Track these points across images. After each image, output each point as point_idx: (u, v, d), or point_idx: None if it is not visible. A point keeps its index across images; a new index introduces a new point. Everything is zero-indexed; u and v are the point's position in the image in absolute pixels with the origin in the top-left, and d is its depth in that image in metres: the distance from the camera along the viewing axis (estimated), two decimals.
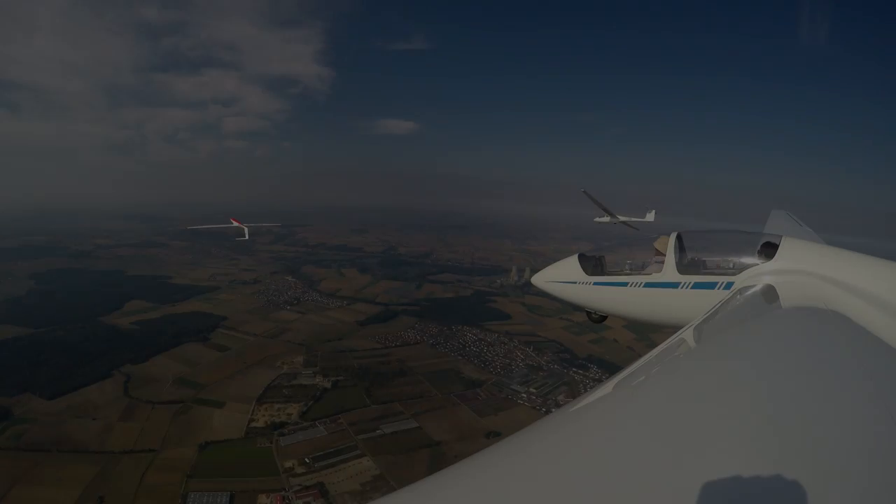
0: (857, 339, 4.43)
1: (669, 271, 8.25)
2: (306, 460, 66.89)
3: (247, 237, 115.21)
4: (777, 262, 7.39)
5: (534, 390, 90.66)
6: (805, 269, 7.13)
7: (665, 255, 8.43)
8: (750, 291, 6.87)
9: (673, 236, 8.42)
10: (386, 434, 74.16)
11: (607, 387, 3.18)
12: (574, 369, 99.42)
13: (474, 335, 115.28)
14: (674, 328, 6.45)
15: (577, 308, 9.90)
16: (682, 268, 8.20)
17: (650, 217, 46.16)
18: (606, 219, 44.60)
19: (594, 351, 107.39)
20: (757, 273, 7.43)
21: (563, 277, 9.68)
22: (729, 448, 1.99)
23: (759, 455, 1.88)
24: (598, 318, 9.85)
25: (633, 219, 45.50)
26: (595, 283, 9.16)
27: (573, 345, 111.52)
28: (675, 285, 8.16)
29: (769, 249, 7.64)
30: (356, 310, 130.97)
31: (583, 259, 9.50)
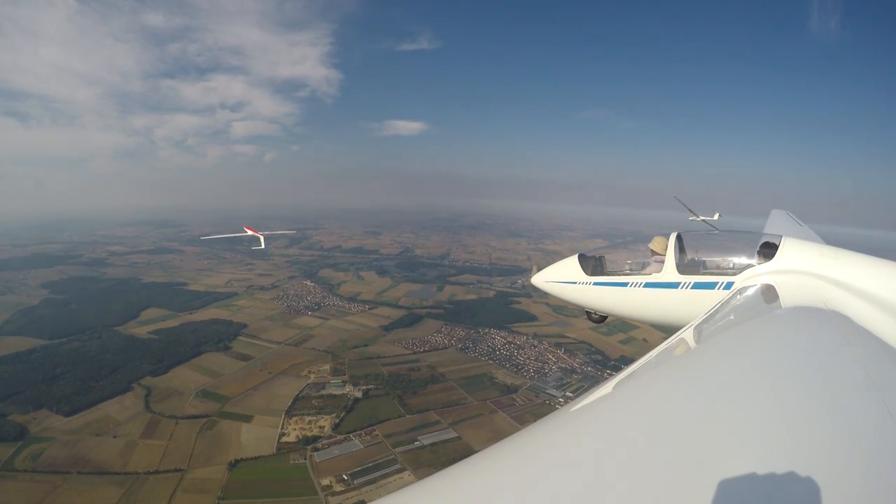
0: (857, 340, 4.45)
1: (669, 271, 8.31)
2: (344, 477, 62.60)
3: (263, 245, 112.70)
4: (777, 262, 7.46)
5: (571, 394, 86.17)
6: (805, 269, 7.17)
7: (660, 256, 8.58)
8: (750, 291, 6.90)
9: (673, 236, 8.52)
10: (425, 446, 70.09)
11: (607, 387, 3.15)
12: (608, 371, 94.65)
13: (503, 338, 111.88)
14: (674, 328, 6.57)
15: (577, 308, 9.94)
16: (682, 268, 8.26)
17: (716, 217, 46.91)
18: (698, 218, 44.14)
19: (626, 351, 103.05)
20: (757, 273, 7.50)
21: (563, 277, 9.75)
22: (729, 448, 2.01)
23: (759, 455, 1.89)
24: (599, 319, 9.91)
25: (710, 219, 45.42)
26: (595, 284, 9.22)
27: (604, 346, 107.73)
28: (675, 285, 8.21)
29: (769, 249, 7.74)
30: (379, 314, 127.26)
31: (583, 259, 9.60)
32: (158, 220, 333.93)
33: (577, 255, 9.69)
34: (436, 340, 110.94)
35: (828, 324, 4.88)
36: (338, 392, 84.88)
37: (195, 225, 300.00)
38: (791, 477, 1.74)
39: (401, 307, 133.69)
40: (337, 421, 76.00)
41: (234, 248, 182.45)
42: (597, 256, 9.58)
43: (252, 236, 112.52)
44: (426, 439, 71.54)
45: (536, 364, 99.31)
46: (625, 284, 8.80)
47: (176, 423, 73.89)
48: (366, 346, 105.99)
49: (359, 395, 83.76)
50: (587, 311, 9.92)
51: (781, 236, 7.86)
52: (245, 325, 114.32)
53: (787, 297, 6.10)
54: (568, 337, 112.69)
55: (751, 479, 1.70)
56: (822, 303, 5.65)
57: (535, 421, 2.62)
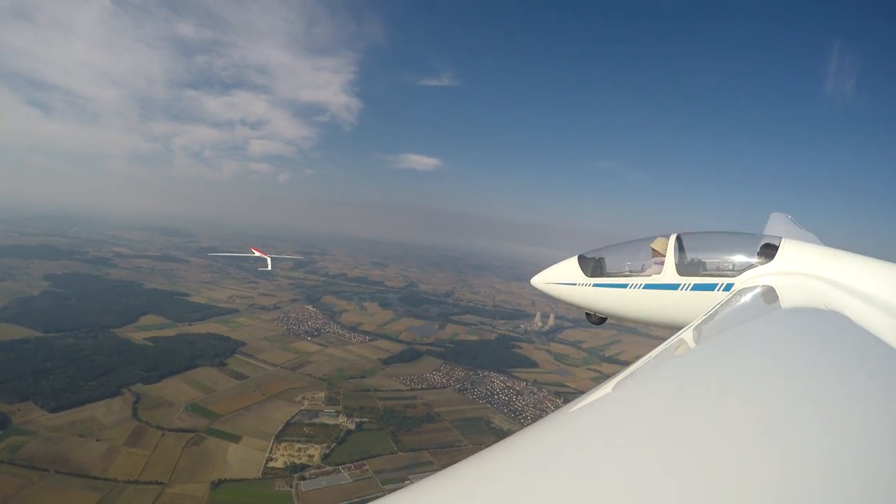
0: (857, 341, 4.49)
1: (669, 273, 8.29)
2: None
3: (269, 268, 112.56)
4: (777, 264, 7.44)
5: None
6: (805, 270, 7.15)
7: (662, 257, 8.49)
8: (750, 293, 6.76)
9: (672, 238, 8.48)
10: None
11: (607, 387, 3.10)
12: None
13: (502, 382, 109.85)
14: (673, 329, 6.32)
15: (577, 308, 9.89)
16: (682, 269, 8.23)
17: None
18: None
19: None
20: (757, 274, 7.46)
21: (562, 279, 9.73)
22: (729, 448, 2.02)
23: (759, 455, 1.88)
24: (598, 320, 9.84)
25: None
26: (595, 285, 9.21)
27: None
28: (674, 287, 8.19)
29: (769, 251, 7.72)
30: (379, 346, 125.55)
31: (583, 261, 9.56)
32: (167, 228, 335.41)
33: (576, 257, 9.66)
34: (434, 379, 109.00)
35: (827, 325, 4.96)
36: (331, 422, 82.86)
37: (203, 237, 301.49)
38: (791, 477, 1.75)
39: (401, 342, 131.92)
40: (327, 451, 73.88)
41: (239, 264, 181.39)
42: (596, 258, 9.51)
43: (259, 258, 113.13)
44: (417, 479, 68.73)
45: (535, 412, 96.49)
46: (624, 286, 8.83)
47: (162, 435, 71.99)
48: (363, 377, 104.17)
49: (352, 426, 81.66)
50: (587, 313, 9.86)
51: (781, 238, 7.91)
52: (243, 344, 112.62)
53: (786, 299, 6.19)
54: (568, 386, 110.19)
55: (751, 480, 1.69)
56: (821, 304, 5.70)
57: (535, 421, 2.57)
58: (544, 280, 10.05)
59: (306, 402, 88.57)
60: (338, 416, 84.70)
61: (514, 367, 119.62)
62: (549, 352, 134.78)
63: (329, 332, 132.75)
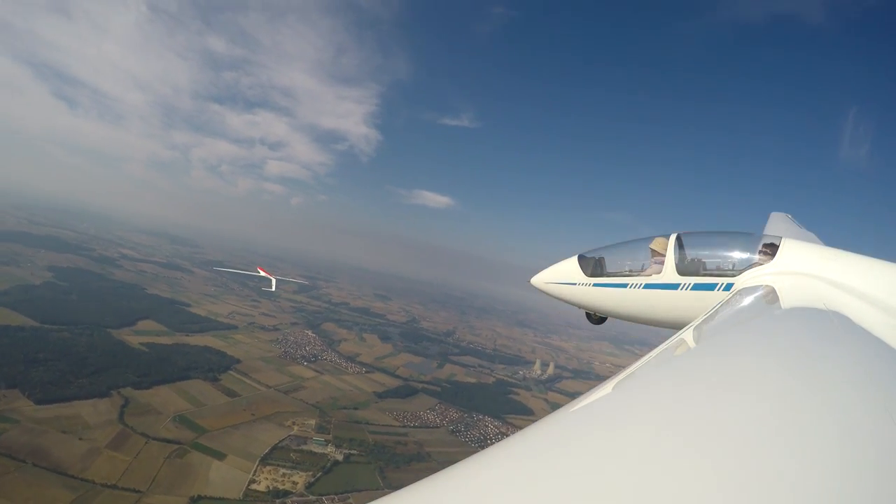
0: (857, 341, 4.50)
1: (669, 272, 8.26)
2: None
3: (273, 289, 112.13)
4: (777, 264, 7.40)
5: None
6: (805, 270, 7.12)
7: (660, 256, 8.49)
8: (750, 293, 6.67)
9: (672, 237, 8.47)
10: None
11: (607, 387, 3.09)
12: None
13: (496, 427, 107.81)
14: (673, 329, 6.56)
15: (577, 308, 9.91)
16: (682, 269, 8.20)
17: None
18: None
19: None
20: (757, 274, 7.40)
21: (562, 279, 9.72)
22: (729, 448, 2.01)
23: (759, 456, 1.88)
24: (598, 320, 9.82)
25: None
26: (595, 285, 9.20)
27: None
28: (674, 286, 8.17)
29: (769, 251, 7.69)
30: (375, 379, 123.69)
31: (582, 260, 9.53)
32: (175, 236, 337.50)
33: (576, 256, 9.65)
34: (428, 417, 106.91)
35: (828, 325, 4.93)
36: (319, 450, 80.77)
37: (210, 249, 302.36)
38: (791, 477, 1.76)
39: (398, 377, 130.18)
40: (312, 480, 71.85)
41: (243, 281, 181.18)
42: (597, 258, 9.48)
43: (264, 278, 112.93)
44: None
45: None
46: (624, 285, 8.82)
47: (146, 442, 70.30)
48: (356, 408, 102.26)
49: (340, 457, 79.56)
50: (587, 313, 9.86)
51: (781, 237, 7.90)
52: (238, 361, 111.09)
53: (786, 298, 6.19)
54: None
55: (751, 480, 1.69)
56: (821, 304, 5.66)
57: (535, 421, 2.56)
58: (544, 280, 10.04)
59: (296, 428, 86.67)
60: (326, 445, 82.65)
61: (510, 413, 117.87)
62: (546, 401, 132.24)
63: (326, 359, 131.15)
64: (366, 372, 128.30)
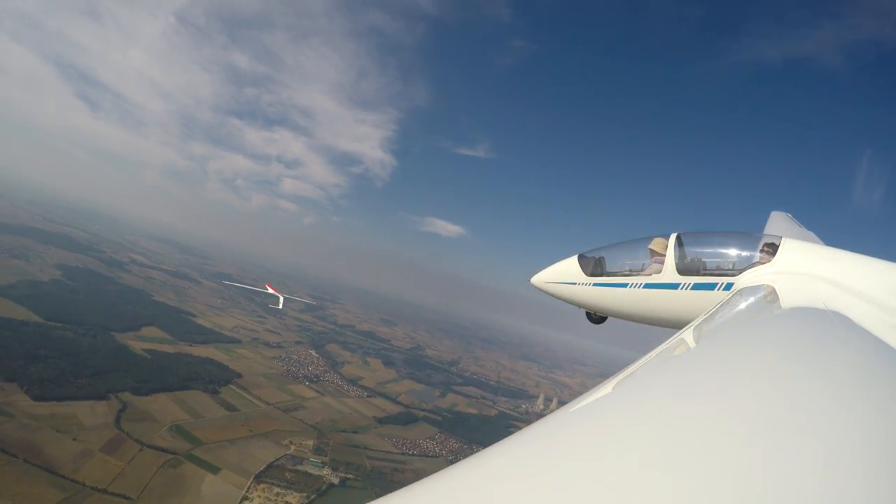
0: (857, 341, 4.51)
1: (669, 272, 8.23)
2: None
3: (281, 307, 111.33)
4: (777, 263, 7.40)
5: None
6: (805, 270, 7.10)
7: (659, 257, 8.47)
8: (750, 292, 6.65)
9: (673, 237, 8.45)
10: None
11: (607, 387, 3.10)
12: None
13: None
14: (673, 329, 6.58)
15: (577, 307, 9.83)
16: (682, 268, 8.17)
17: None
18: None
19: None
20: (757, 274, 7.39)
21: (562, 278, 9.68)
22: (729, 449, 2.02)
23: (758, 456, 1.89)
24: (598, 319, 9.80)
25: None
26: (595, 284, 9.17)
27: None
28: (674, 286, 8.16)
29: (769, 250, 7.68)
30: (376, 404, 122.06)
31: (582, 260, 9.50)
32: (185, 246, 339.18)
33: (576, 256, 9.62)
34: (427, 446, 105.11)
35: (827, 325, 4.93)
36: (314, 472, 79.11)
37: (219, 262, 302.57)
38: (791, 477, 1.74)
39: (399, 403, 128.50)
40: (306, 502, 70.19)
41: (250, 296, 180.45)
42: (597, 257, 9.44)
43: (272, 295, 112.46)
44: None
45: None
46: (625, 285, 8.79)
47: (140, 449, 69.04)
48: (355, 432, 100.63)
49: (335, 481, 77.88)
50: (587, 312, 9.82)
51: (781, 237, 7.88)
52: (239, 375, 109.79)
53: (786, 298, 6.19)
54: None
55: (751, 480, 1.70)
56: (821, 304, 5.64)
57: (535, 421, 2.55)
58: (544, 279, 9.97)
59: (293, 447, 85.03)
60: (323, 467, 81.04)
61: None
62: None
63: (328, 380, 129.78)
64: (367, 396, 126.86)
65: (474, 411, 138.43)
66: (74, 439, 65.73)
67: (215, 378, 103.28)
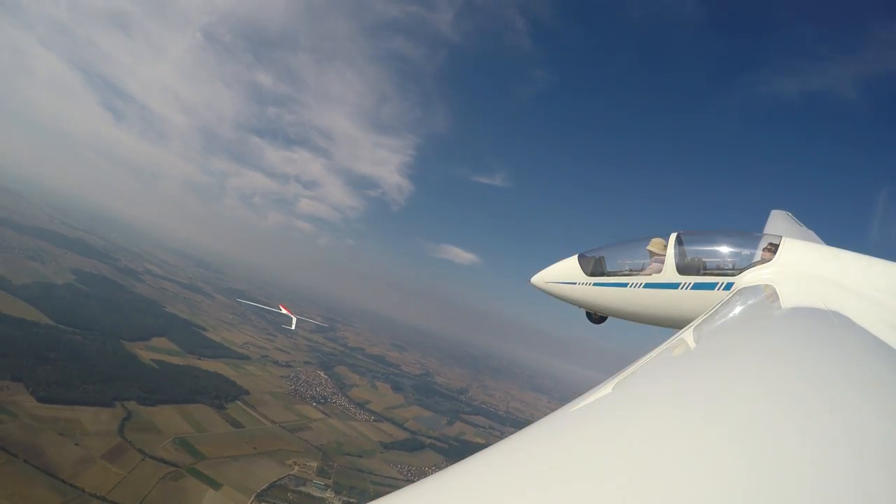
0: (857, 341, 4.48)
1: (669, 272, 8.23)
2: None
3: (293, 327, 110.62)
4: (777, 263, 7.40)
5: None
6: (805, 269, 7.13)
7: (659, 256, 8.49)
8: (750, 292, 6.71)
9: (673, 237, 8.45)
10: None
11: (607, 387, 3.08)
12: None
13: None
14: (673, 329, 6.89)
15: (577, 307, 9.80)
16: (682, 268, 8.16)
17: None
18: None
19: None
20: (757, 274, 7.39)
21: (562, 278, 9.68)
22: (729, 449, 2.00)
23: (758, 456, 1.87)
24: (598, 319, 9.82)
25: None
26: (595, 284, 9.18)
27: None
28: (674, 286, 8.13)
29: (769, 250, 7.69)
30: (382, 429, 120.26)
31: (582, 259, 9.52)
32: (200, 260, 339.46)
33: (576, 256, 9.64)
34: (432, 474, 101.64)
35: (828, 324, 4.91)
36: (317, 494, 77.75)
37: (233, 277, 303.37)
38: (791, 478, 1.76)
39: (406, 429, 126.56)
40: None
41: (262, 314, 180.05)
42: (597, 257, 9.49)
43: (285, 315, 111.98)
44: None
45: None
46: (625, 285, 8.80)
47: (142, 459, 68.03)
48: (360, 456, 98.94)
49: None
50: (587, 312, 9.83)
51: (781, 237, 7.88)
52: (247, 392, 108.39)
53: (787, 298, 6.20)
54: None
55: (751, 480, 1.68)
56: (821, 303, 5.60)
57: (535, 422, 2.56)
58: (544, 279, 9.99)
59: (297, 468, 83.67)
60: (326, 489, 79.71)
61: None
62: None
63: (335, 402, 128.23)
64: (374, 420, 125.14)
65: (482, 441, 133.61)
66: (76, 444, 65.02)
67: (222, 393, 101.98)
